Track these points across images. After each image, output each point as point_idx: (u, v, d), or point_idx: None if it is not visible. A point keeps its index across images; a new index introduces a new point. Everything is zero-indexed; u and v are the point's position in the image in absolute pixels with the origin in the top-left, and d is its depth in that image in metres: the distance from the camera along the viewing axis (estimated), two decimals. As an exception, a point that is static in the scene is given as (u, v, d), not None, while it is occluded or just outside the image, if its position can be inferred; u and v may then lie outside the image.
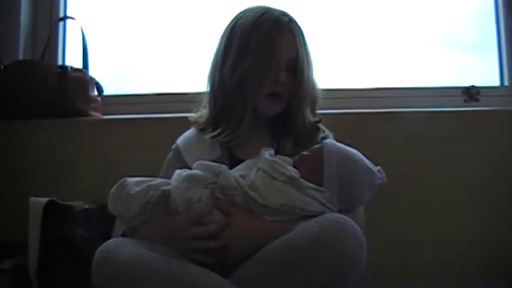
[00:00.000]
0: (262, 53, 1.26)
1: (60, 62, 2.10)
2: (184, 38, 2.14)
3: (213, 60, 1.36)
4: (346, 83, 2.02)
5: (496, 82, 2.06)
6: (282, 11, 1.33)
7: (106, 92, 2.00)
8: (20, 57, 2.02)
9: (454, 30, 2.14)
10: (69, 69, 1.89)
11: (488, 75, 2.08)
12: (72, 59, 2.07)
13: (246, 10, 1.35)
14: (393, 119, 1.81)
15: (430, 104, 1.92)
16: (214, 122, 1.34)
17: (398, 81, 2.07)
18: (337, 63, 2.04)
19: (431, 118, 1.81)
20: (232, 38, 1.31)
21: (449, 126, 1.79)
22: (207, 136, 1.32)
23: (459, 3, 2.15)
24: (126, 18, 2.20)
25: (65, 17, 2.11)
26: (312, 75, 1.34)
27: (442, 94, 2.00)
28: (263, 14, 1.30)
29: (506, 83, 2.04)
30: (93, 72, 1.98)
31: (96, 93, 1.97)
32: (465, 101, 1.99)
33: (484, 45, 2.13)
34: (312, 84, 1.34)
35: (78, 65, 1.96)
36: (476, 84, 2.00)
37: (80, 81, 1.90)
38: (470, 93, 1.99)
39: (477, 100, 1.98)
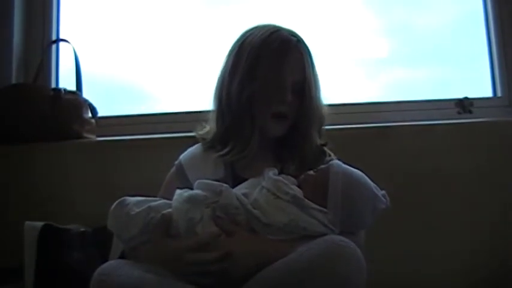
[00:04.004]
0: (270, 73, 1.25)
1: (53, 85, 2.10)
2: (180, 59, 2.15)
3: (220, 77, 1.34)
4: (338, 98, 2.00)
5: (487, 93, 2.05)
6: (291, 31, 1.32)
7: (100, 114, 2.00)
8: (13, 81, 2.01)
9: (442, 41, 2.14)
10: (63, 91, 1.90)
11: (479, 86, 2.07)
12: (66, 81, 2.06)
13: (255, 28, 1.33)
14: (386, 134, 1.81)
15: (423, 117, 1.92)
16: (222, 139, 1.32)
17: (389, 95, 2.07)
18: (331, 77, 2.04)
19: (425, 131, 1.81)
20: (240, 56, 1.30)
21: (443, 139, 1.79)
22: (215, 155, 1.30)
23: (447, 13, 2.16)
24: (119, 39, 2.20)
25: (58, 40, 2.12)
26: (319, 97, 1.33)
27: (435, 107, 1.99)
28: (273, 33, 1.29)
29: (499, 94, 2.03)
30: (87, 94, 1.98)
31: (90, 115, 1.96)
32: (458, 113, 1.99)
33: (474, 56, 2.12)
34: (319, 105, 1.33)
35: (72, 87, 1.96)
36: (469, 96, 2.00)
37: (73, 103, 1.90)
38: (464, 105, 1.99)
39: (470, 112, 1.98)
